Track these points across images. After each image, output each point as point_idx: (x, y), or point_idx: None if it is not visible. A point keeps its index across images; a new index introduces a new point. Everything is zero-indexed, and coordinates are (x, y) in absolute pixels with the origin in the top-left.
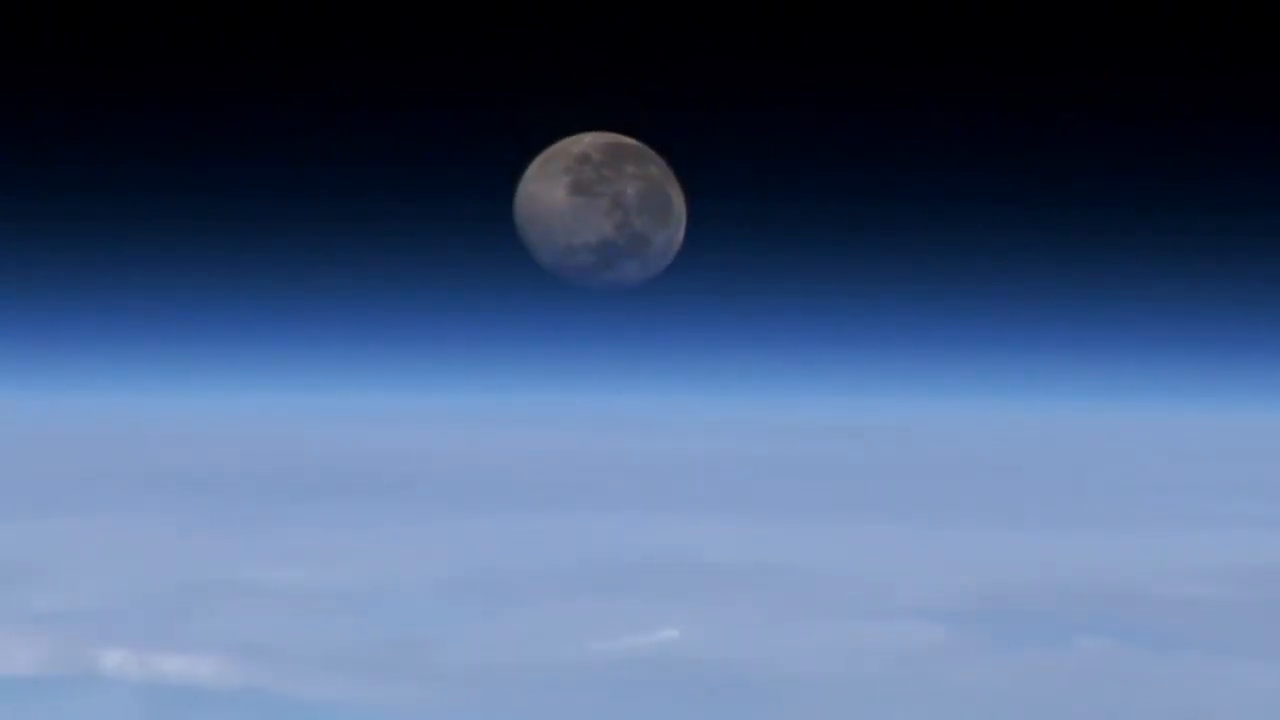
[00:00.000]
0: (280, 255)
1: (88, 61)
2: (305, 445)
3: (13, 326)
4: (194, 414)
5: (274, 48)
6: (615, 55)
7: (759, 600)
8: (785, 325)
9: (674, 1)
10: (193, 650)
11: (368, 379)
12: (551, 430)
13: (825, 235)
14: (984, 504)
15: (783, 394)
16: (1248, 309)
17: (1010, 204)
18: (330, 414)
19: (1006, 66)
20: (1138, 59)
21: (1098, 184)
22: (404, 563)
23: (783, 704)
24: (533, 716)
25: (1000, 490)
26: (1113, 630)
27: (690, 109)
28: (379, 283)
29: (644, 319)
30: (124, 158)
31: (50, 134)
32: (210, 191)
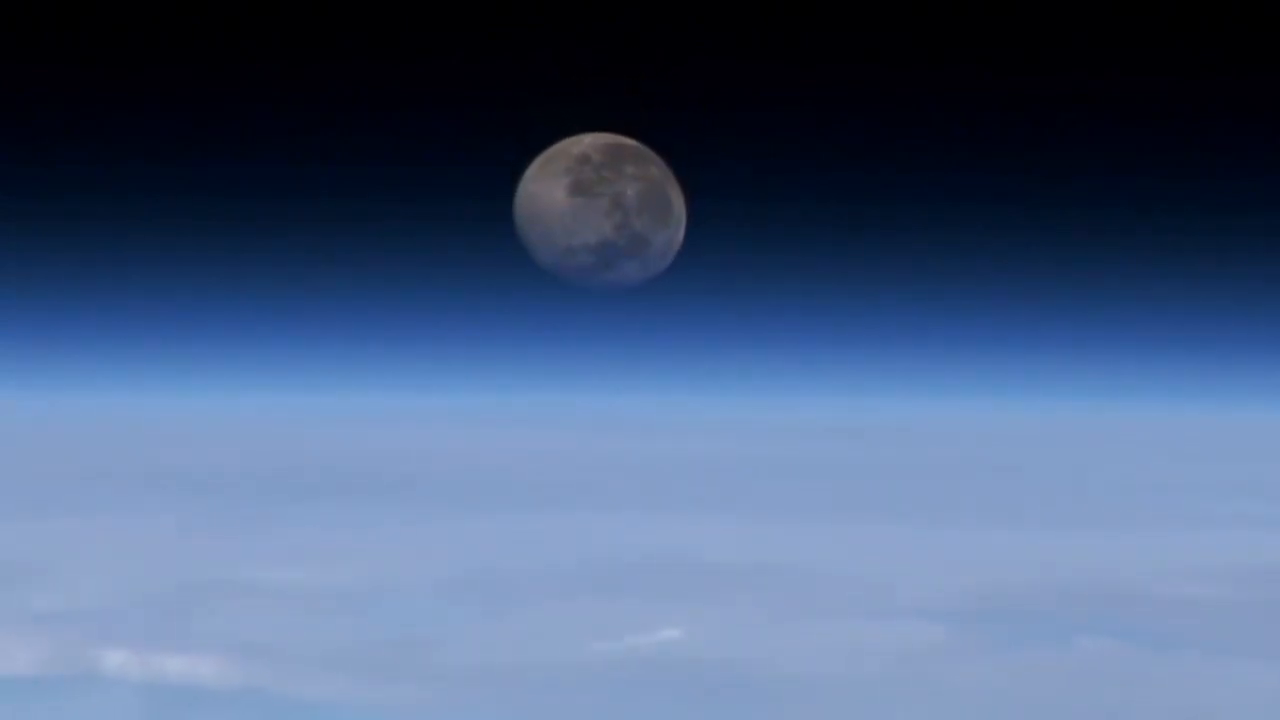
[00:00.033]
0: (280, 255)
1: (88, 61)
2: (305, 445)
3: (13, 326)
4: (194, 414)
5: (274, 48)
6: (615, 55)
7: (759, 600)
8: (785, 325)
9: (674, 1)
10: (193, 650)
11: (368, 379)
12: (551, 430)
13: (825, 235)
14: (984, 504)
15: (783, 394)
16: (1248, 309)
17: (1010, 204)
18: (330, 414)
19: (1006, 66)
20: (1138, 59)
21: (1098, 184)
22: (404, 563)
23: (783, 704)
24: (533, 716)
25: (1000, 490)
26: (1113, 630)
27: (690, 109)
28: (379, 283)
29: (644, 319)
30: (124, 158)
31: (50, 134)
32: (210, 191)
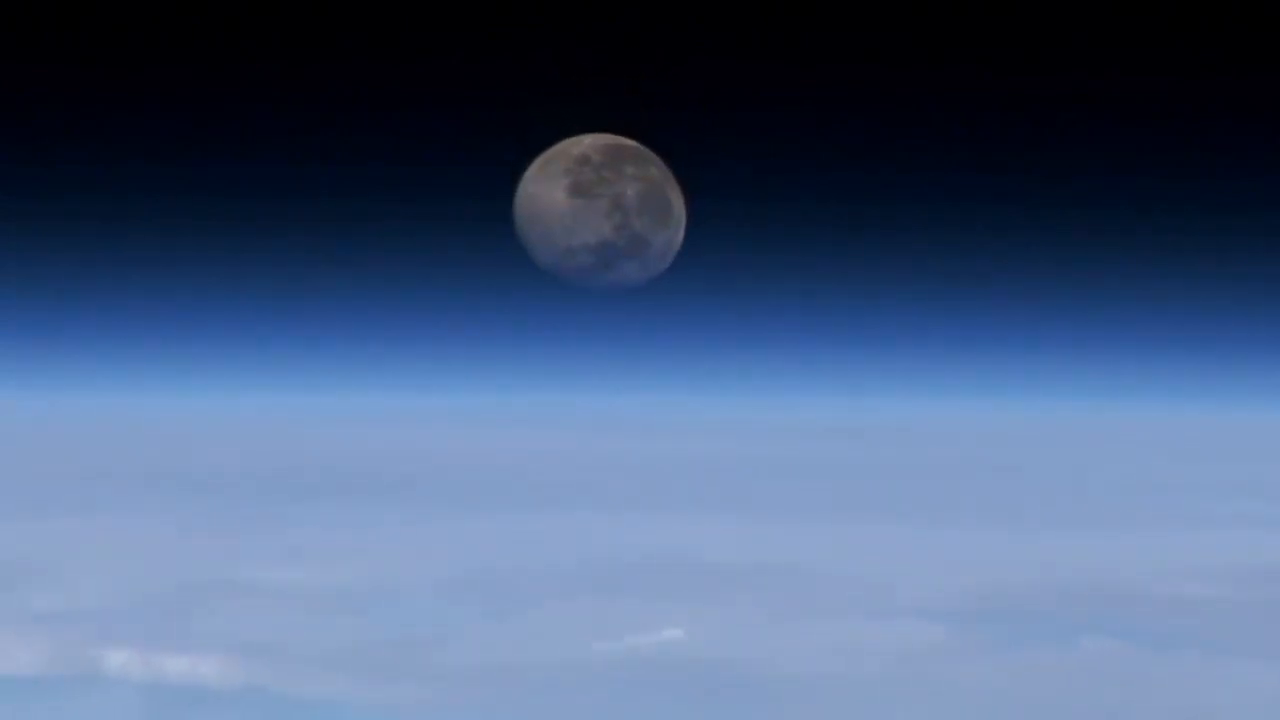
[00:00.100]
0: (280, 255)
1: (88, 61)
2: (305, 445)
3: (13, 326)
4: (194, 414)
5: (274, 48)
6: (615, 55)
7: (759, 600)
8: (785, 325)
9: (674, 1)
10: (193, 650)
11: (368, 379)
12: (551, 430)
13: (825, 235)
14: (984, 504)
15: (783, 394)
16: (1248, 309)
17: (1010, 204)
18: (330, 414)
19: (1006, 66)
20: (1138, 59)
21: (1098, 184)
22: (404, 563)
23: (783, 704)
24: (533, 716)
25: (1000, 490)
26: (1113, 630)
27: (690, 109)
28: (379, 283)
29: (643, 320)
30: (124, 158)
31: (50, 134)
32: (210, 191)
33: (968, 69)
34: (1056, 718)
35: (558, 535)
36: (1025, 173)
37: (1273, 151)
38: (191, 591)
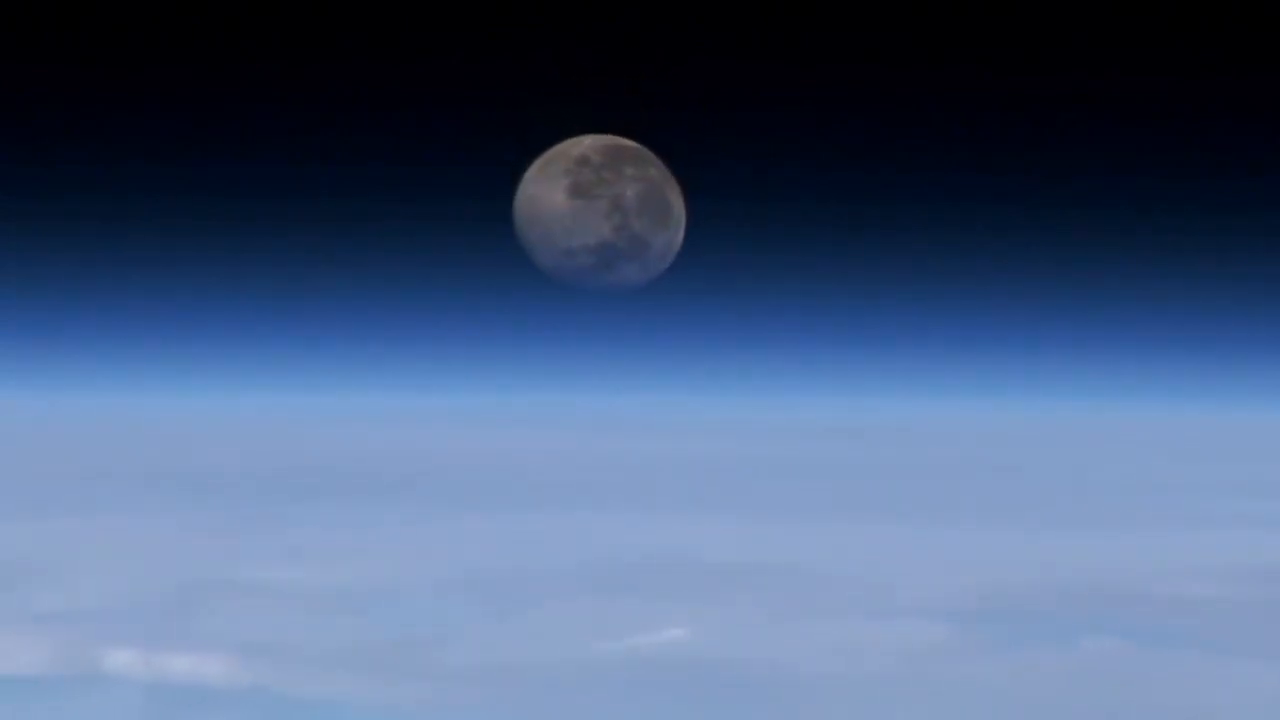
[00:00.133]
0: (280, 255)
1: (88, 61)
2: (305, 445)
3: (13, 326)
4: (194, 414)
5: (274, 48)
6: (615, 55)
7: (759, 600)
8: (785, 325)
9: (674, 1)
10: (194, 650)
11: (368, 379)
12: (551, 430)
13: (825, 235)
14: (984, 504)
15: (783, 394)
16: (1248, 309)
17: (1010, 204)
18: (330, 414)
19: (1006, 66)
20: (1138, 59)
21: (1098, 184)
22: (404, 563)
23: (784, 704)
24: (534, 716)
25: (1000, 490)
26: (1113, 630)
27: (690, 109)
28: (379, 283)
29: (643, 320)
30: (124, 158)
31: (50, 134)
32: (210, 191)
33: (968, 69)
34: (1057, 717)
35: (558, 535)
36: (1025, 173)
37: (1273, 151)
38: (192, 591)
